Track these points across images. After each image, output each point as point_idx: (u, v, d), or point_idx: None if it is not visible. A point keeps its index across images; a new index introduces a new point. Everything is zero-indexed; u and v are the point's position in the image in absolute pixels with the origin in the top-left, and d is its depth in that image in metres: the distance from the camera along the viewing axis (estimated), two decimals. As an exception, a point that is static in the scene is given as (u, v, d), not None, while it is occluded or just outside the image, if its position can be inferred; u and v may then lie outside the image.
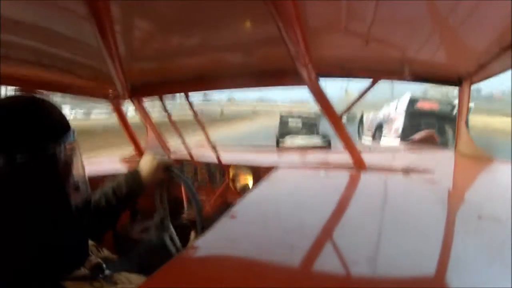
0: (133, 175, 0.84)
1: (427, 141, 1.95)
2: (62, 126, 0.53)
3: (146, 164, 0.86)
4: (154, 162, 0.86)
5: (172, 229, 1.07)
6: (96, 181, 0.81)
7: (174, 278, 0.45)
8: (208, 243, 0.55)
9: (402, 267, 0.46)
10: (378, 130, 6.47)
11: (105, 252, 0.70)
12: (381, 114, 6.51)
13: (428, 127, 4.70)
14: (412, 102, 5.58)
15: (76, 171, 0.54)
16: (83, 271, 0.55)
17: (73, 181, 0.53)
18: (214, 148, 1.37)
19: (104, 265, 0.59)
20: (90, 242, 0.64)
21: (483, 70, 0.95)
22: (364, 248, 0.51)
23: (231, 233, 0.60)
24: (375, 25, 0.74)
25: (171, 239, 1.05)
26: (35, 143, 0.48)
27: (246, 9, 0.70)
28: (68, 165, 0.52)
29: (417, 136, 2.00)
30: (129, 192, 0.81)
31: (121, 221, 1.04)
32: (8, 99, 0.52)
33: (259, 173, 1.30)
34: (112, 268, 0.61)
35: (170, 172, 0.92)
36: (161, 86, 1.18)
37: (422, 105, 5.48)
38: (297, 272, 0.45)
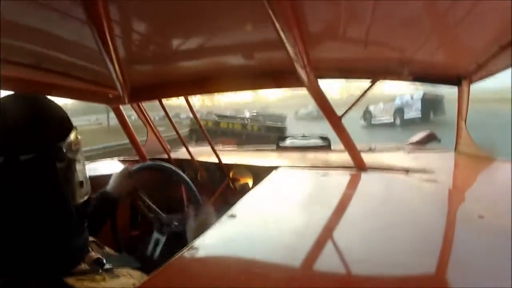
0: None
1: (428, 141, 1.94)
2: (64, 125, 0.54)
3: None
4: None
5: (164, 238, 1.06)
6: (98, 181, 0.82)
7: (174, 277, 0.45)
8: (208, 243, 0.55)
9: (402, 266, 0.46)
10: (397, 112, 10.81)
11: (107, 249, 0.69)
12: (398, 102, 10.90)
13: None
14: (424, 94, 10.09)
15: (78, 169, 0.54)
16: (83, 266, 0.55)
17: (75, 178, 0.54)
18: (214, 148, 1.38)
19: (104, 260, 0.58)
20: (91, 239, 0.64)
21: (482, 69, 0.95)
22: (365, 248, 0.51)
23: (231, 233, 0.60)
24: (374, 26, 0.75)
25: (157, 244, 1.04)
26: (38, 143, 0.49)
27: (245, 11, 0.70)
28: (70, 163, 0.53)
29: (417, 136, 1.99)
30: None
31: (121, 219, 1.05)
32: (10, 98, 0.52)
33: (259, 173, 1.30)
34: (113, 263, 0.60)
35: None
36: (161, 89, 1.18)
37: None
38: (297, 272, 0.45)
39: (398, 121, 10.76)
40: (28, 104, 0.52)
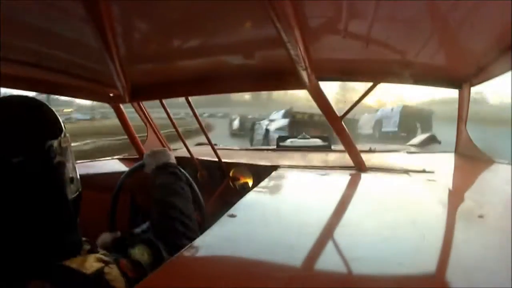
0: None
1: (428, 143, 1.94)
2: (54, 124, 0.55)
3: None
4: None
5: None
6: (96, 180, 0.82)
7: (173, 277, 0.45)
8: (208, 243, 0.55)
9: (402, 266, 0.46)
10: (377, 124, 9.92)
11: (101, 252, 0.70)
12: (379, 114, 10.05)
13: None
14: (404, 107, 9.43)
15: (68, 166, 0.56)
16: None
17: (66, 176, 0.55)
18: (214, 147, 1.38)
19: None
20: (84, 238, 0.64)
21: (483, 73, 0.95)
22: (364, 248, 0.51)
23: (231, 232, 0.60)
24: (375, 28, 0.75)
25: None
26: (30, 144, 0.50)
27: (246, 11, 0.70)
28: (61, 162, 0.54)
29: (418, 138, 1.99)
30: None
31: (121, 219, 1.04)
32: (1, 100, 0.53)
33: (259, 172, 1.30)
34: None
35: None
36: (162, 89, 1.18)
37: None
38: (297, 272, 0.45)
39: (376, 134, 9.67)
40: (17, 106, 0.53)
